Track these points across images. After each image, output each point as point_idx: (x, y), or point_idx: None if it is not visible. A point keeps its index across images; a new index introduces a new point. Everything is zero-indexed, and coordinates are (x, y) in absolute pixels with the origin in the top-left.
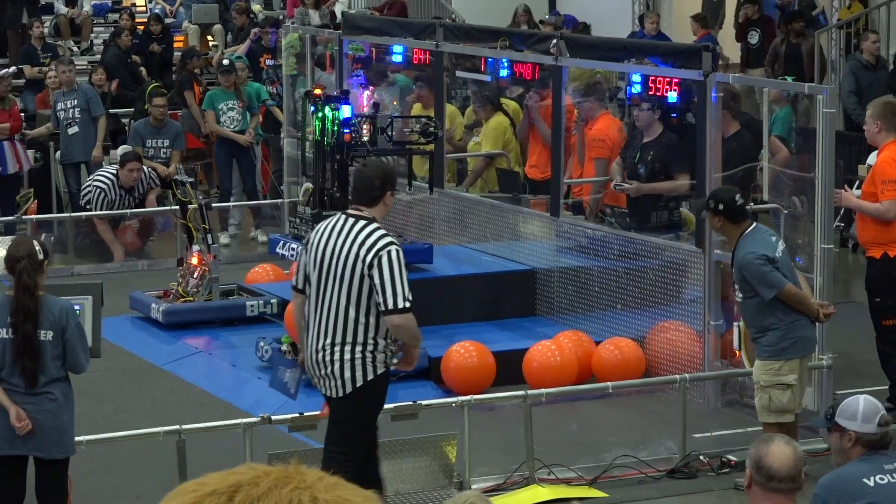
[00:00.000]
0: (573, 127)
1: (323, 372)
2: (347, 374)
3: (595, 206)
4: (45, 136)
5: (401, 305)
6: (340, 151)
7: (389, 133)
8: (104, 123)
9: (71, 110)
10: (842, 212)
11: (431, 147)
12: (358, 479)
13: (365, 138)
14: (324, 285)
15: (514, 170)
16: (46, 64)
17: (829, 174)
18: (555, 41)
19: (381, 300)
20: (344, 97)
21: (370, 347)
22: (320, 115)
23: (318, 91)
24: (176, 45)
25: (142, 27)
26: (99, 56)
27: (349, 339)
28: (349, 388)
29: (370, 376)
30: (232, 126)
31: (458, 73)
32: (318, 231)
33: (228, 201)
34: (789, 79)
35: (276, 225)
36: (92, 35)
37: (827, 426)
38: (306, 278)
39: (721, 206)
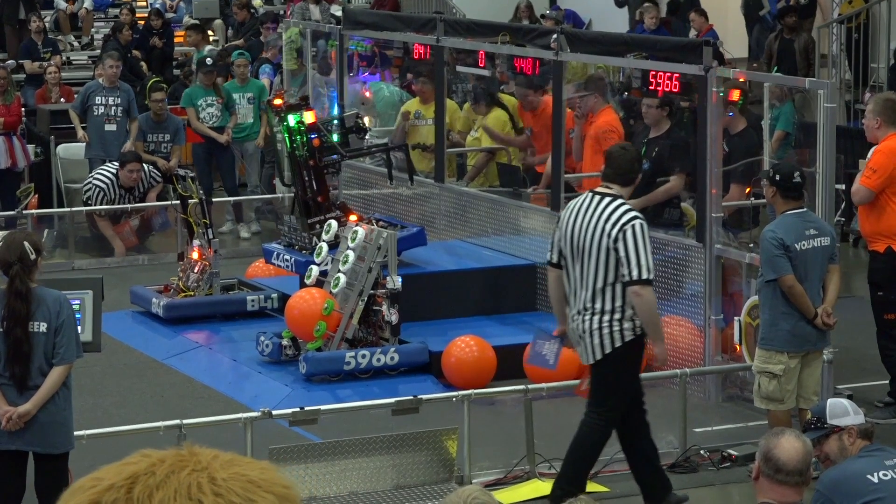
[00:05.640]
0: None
1: (578, 339)
2: (596, 340)
3: None
4: (46, 132)
5: (644, 276)
6: (313, 157)
7: (362, 133)
8: (137, 124)
9: (114, 107)
10: (842, 206)
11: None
12: (627, 443)
13: (335, 139)
14: (574, 260)
15: (514, 164)
16: (47, 59)
17: (829, 169)
18: (555, 36)
19: (625, 271)
20: (304, 103)
21: (617, 315)
22: (285, 125)
23: (278, 101)
24: (176, 40)
25: (142, 22)
26: (99, 51)
27: (597, 308)
28: (599, 355)
29: (617, 343)
30: (212, 122)
31: (459, 69)
32: (568, 209)
33: (210, 198)
34: (774, 71)
35: (271, 220)
36: (92, 30)
37: (824, 433)
38: (560, 253)
39: (778, 177)
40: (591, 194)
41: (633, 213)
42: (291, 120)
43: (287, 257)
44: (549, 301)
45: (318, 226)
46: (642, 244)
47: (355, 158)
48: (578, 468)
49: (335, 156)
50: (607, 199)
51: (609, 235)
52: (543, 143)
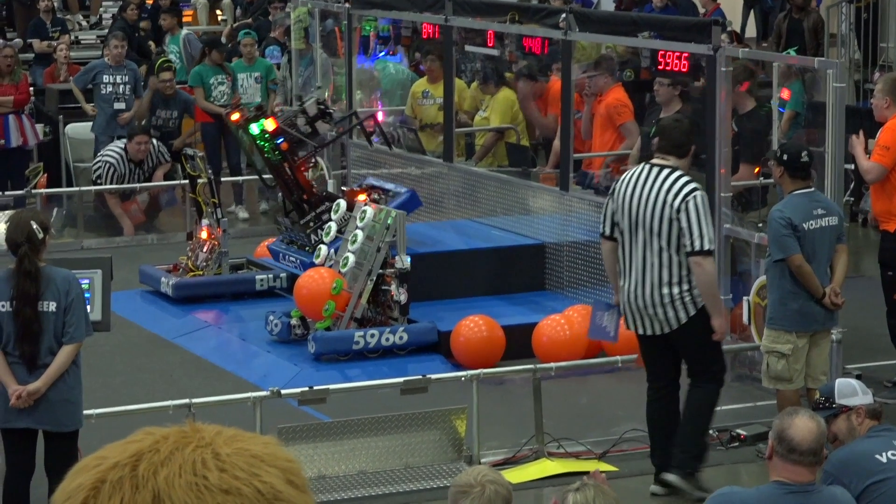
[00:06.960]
0: (583, 102)
1: (647, 312)
2: (671, 313)
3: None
4: (55, 111)
5: (706, 247)
6: (286, 160)
7: (328, 117)
8: (140, 101)
9: (122, 86)
10: (851, 186)
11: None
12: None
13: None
14: (635, 231)
15: (522, 144)
16: (56, 38)
17: (838, 149)
18: (564, 15)
19: (687, 242)
20: (261, 112)
21: (685, 286)
22: (252, 135)
23: (235, 117)
24: (185, 19)
25: (150, 1)
26: (107, 30)
27: (664, 279)
28: (675, 325)
29: (691, 312)
30: (223, 100)
31: (468, 48)
32: (623, 181)
33: (219, 178)
34: (792, 52)
35: (275, 199)
36: (101, 9)
37: (833, 413)
38: (614, 225)
39: (785, 157)
40: (647, 166)
41: (694, 185)
42: (255, 129)
43: (293, 258)
44: (606, 274)
45: (311, 223)
46: (704, 215)
47: (335, 141)
48: (696, 433)
49: (308, 148)
50: (667, 171)
51: (672, 206)
52: (555, 120)
